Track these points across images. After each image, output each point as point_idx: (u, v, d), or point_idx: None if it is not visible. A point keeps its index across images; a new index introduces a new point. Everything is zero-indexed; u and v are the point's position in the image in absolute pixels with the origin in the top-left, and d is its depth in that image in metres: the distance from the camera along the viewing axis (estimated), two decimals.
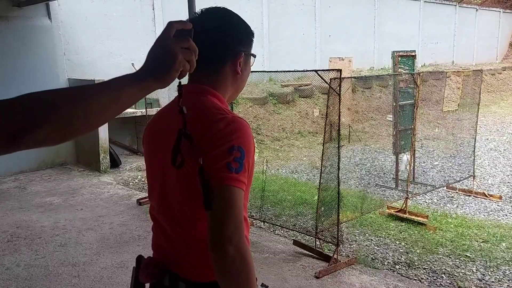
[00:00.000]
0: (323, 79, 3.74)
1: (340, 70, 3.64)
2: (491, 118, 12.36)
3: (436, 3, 17.03)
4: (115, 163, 7.20)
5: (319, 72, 3.78)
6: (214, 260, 1.05)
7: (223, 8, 1.37)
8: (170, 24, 0.93)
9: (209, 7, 1.33)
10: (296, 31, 12.13)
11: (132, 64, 7.99)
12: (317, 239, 3.92)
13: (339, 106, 3.67)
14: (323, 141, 3.88)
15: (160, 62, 0.89)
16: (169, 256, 1.28)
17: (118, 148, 7.92)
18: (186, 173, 1.13)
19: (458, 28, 18.04)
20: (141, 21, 8.48)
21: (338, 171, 3.76)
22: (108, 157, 6.99)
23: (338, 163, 3.75)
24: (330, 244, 3.91)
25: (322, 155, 3.86)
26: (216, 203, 1.05)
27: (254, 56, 1.41)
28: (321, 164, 3.87)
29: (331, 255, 3.71)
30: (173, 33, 0.91)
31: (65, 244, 4.19)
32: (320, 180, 3.90)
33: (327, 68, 9.75)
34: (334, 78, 3.71)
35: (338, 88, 3.66)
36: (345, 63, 9.48)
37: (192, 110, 1.10)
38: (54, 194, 5.81)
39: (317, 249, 3.89)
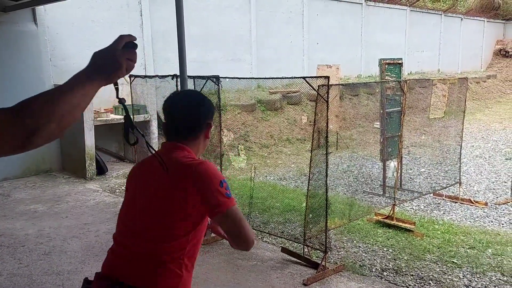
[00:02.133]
0: (312, 86, 3.76)
1: (328, 77, 3.66)
2: (476, 125, 12.54)
3: (422, 12, 17.30)
4: (101, 170, 7.11)
5: (307, 79, 3.79)
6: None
7: (197, 91, 1.88)
8: (121, 37, 1.17)
9: (188, 90, 1.85)
10: (284, 38, 12.20)
11: None
12: (305, 246, 3.90)
13: (327, 113, 3.68)
14: (311, 148, 3.89)
15: (108, 67, 1.12)
16: (129, 271, 1.57)
17: (105, 155, 7.84)
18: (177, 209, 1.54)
19: (443, 36, 18.33)
20: (128, 28, 8.44)
21: (326, 178, 3.77)
22: (94, 164, 6.91)
23: (326, 170, 3.76)
24: (318, 251, 3.91)
25: (310, 162, 3.86)
26: (231, 222, 1.50)
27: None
28: (309, 171, 3.87)
29: (319, 262, 3.70)
30: (122, 45, 1.15)
31: (49, 252, 4.11)
32: (308, 187, 3.90)
33: (315, 75, 9.83)
34: (322, 85, 3.73)
35: (326, 95, 3.67)
36: (333, 70, 9.54)
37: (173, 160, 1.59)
38: (39, 201, 5.71)
39: (305, 256, 3.88)
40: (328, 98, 3.65)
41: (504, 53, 21.51)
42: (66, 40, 7.45)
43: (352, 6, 14.25)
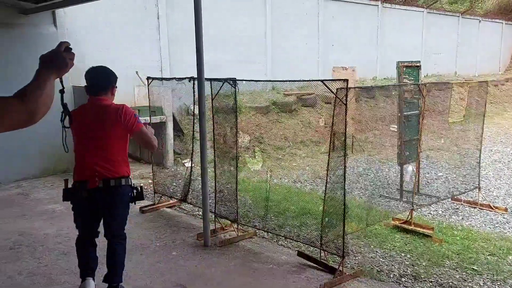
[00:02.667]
0: (330, 89, 3.73)
1: (346, 80, 3.63)
2: (495, 129, 12.34)
3: (439, 14, 17.09)
4: None
5: (325, 82, 3.76)
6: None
7: (106, 67, 3.20)
8: (61, 43, 1.62)
9: (101, 66, 3.19)
10: (299, 40, 12.17)
11: (136, 72, 8.01)
12: (321, 251, 3.87)
13: (346, 116, 3.65)
14: (329, 151, 3.86)
15: (59, 64, 1.57)
16: (100, 171, 3.07)
17: None
18: (116, 132, 3.04)
19: (461, 39, 18.08)
20: (145, 30, 8.52)
21: (344, 182, 3.73)
22: None
23: (344, 173, 3.72)
24: (335, 255, 3.87)
25: (328, 165, 3.83)
26: (143, 135, 3.10)
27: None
28: (326, 174, 3.84)
29: (336, 267, 3.66)
30: (63, 49, 1.60)
31: (68, 252, 4.15)
32: (325, 191, 3.87)
33: (331, 78, 9.77)
34: (341, 88, 3.70)
35: (344, 98, 3.64)
36: (349, 72, 9.48)
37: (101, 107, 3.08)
38: (57, 201, 5.78)
39: (322, 260, 3.85)
40: (346, 101, 3.62)
41: None
42: (84, 42, 7.54)
43: (368, 7, 14.16)
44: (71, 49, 1.64)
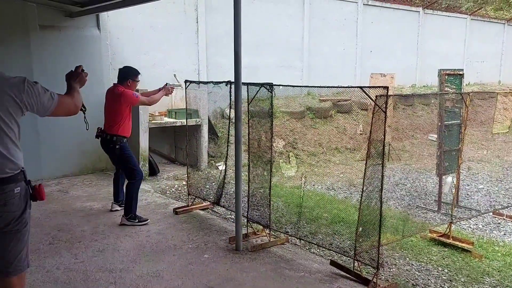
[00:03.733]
0: (369, 96, 3.65)
1: (386, 87, 3.54)
2: None
3: (484, 21, 16.51)
4: (153, 171, 7.31)
5: (365, 89, 3.69)
6: None
7: (129, 66, 5.13)
8: (77, 67, 2.72)
9: (124, 66, 5.18)
10: (336, 46, 12.04)
11: (174, 75, 8.15)
12: (355, 261, 3.79)
13: (385, 124, 3.57)
14: (366, 159, 3.78)
15: (80, 81, 2.70)
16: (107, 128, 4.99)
17: (157, 156, 8.05)
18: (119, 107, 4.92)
19: (506, 46, 17.38)
20: (184, 34, 8.66)
21: (381, 192, 3.64)
22: (147, 165, 7.12)
23: (382, 183, 3.63)
24: (368, 266, 3.78)
25: (365, 173, 3.75)
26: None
27: (137, 80, 5.11)
28: (363, 183, 3.76)
29: (370, 278, 3.57)
30: (80, 70, 2.70)
31: (103, 249, 4.26)
32: (360, 199, 3.79)
33: (368, 84, 9.61)
34: (381, 96, 3.61)
35: (384, 105, 3.56)
36: (387, 79, 9.29)
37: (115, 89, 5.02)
38: (95, 199, 5.95)
39: (355, 271, 3.76)
40: (386, 109, 3.53)
41: None
42: (125, 45, 7.75)
43: (409, 13, 13.85)
44: (84, 70, 2.68)
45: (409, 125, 11.93)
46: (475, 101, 12.05)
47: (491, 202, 6.58)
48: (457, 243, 4.63)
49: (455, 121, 5.81)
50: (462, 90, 6.01)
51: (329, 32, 11.79)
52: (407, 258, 4.38)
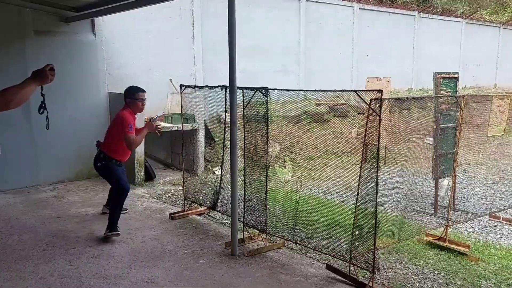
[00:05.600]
0: (363, 100, 3.65)
1: (381, 91, 3.54)
2: None
3: (479, 24, 16.59)
4: (149, 176, 7.29)
5: (359, 92, 3.69)
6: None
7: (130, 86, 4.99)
8: (47, 65, 2.51)
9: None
10: (333, 50, 12.08)
11: (170, 80, 8.15)
12: (351, 265, 3.77)
13: (379, 127, 3.56)
14: (361, 163, 3.77)
15: (41, 78, 2.47)
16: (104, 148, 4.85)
17: (153, 161, 8.03)
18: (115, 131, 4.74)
19: (501, 50, 17.48)
20: (180, 39, 8.66)
21: (376, 195, 3.63)
22: (143, 170, 7.09)
23: (376, 186, 3.62)
24: (365, 270, 3.76)
25: (360, 177, 3.74)
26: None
27: (136, 99, 4.84)
28: (358, 186, 3.75)
29: (366, 282, 3.56)
30: (48, 68, 2.50)
31: (98, 255, 4.23)
32: (356, 203, 3.78)
33: (364, 88, 9.62)
34: (375, 99, 3.61)
35: (378, 109, 3.56)
36: (383, 83, 9.31)
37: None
38: (90, 205, 5.92)
39: (351, 275, 3.74)
40: (380, 113, 3.53)
41: None
42: (121, 50, 7.74)
43: (404, 17, 13.92)
44: (54, 69, 2.54)
45: (406, 128, 11.95)
46: (471, 104, 12.10)
47: (487, 205, 6.58)
48: (453, 246, 4.62)
49: (450, 124, 5.82)
50: (457, 93, 6.02)
51: (325, 36, 11.82)
52: (404, 262, 4.36)
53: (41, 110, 2.81)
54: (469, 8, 17.79)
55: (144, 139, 7.01)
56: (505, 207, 6.09)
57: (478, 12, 17.28)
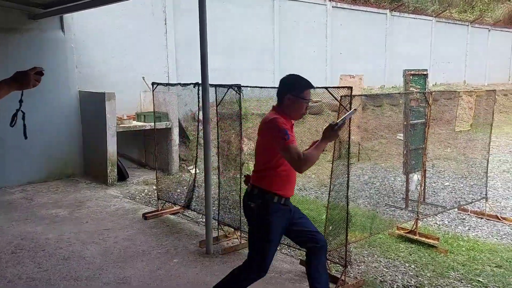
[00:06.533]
0: (334, 96, 3.69)
1: (351, 88, 3.59)
2: (504, 139, 12.19)
3: (448, 23, 17.01)
4: (122, 176, 7.18)
5: (329, 89, 3.73)
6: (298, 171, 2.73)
7: (292, 74, 2.97)
8: (34, 67, 2.14)
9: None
10: (307, 48, 12.17)
11: (143, 77, 8.04)
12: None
13: (350, 123, 3.61)
14: (332, 159, 3.82)
15: (22, 82, 2.10)
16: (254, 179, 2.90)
17: (126, 161, 7.92)
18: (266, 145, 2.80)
19: (470, 48, 17.97)
20: (153, 36, 8.56)
21: (347, 190, 3.68)
22: (115, 170, 6.99)
23: (348, 182, 3.68)
24: (337, 265, 3.81)
25: (331, 173, 3.79)
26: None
27: (303, 98, 2.83)
28: (330, 182, 3.79)
29: (339, 276, 3.61)
30: (34, 72, 2.12)
31: (68, 257, 4.14)
32: (328, 199, 3.82)
33: (338, 86, 9.73)
34: (345, 96, 3.66)
35: (348, 105, 3.60)
36: (356, 80, 9.44)
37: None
38: (60, 206, 5.79)
39: None
40: (351, 109, 3.58)
41: None
42: (92, 47, 7.60)
43: (376, 16, 14.14)
44: (42, 73, 2.16)
45: (378, 125, 12.16)
46: (441, 101, 12.41)
47: (456, 198, 6.76)
48: (423, 239, 4.74)
49: (419, 120, 5.94)
50: (426, 89, 6.16)
51: (299, 34, 11.90)
52: (376, 255, 4.44)
53: (13, 123, 2.32)
54: (439, 7, 18.25)
55: (116, 139, 6.94)
56: (473, 200, 6.27)
57: (447, 11, 17.72)
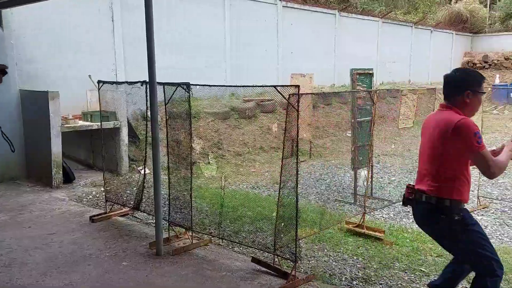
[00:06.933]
0: (282, 95, 3.74)
1: (298, 86, 3.65)
2: None
3: (394, 24, 17.69)
4: (68, 178, 6.91)
5: (278, 88, 3.77)
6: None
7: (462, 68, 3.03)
8: None
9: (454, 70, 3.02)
10: (259, 47, 12.24)
11: (89, 76, 7.77)
12: (275, 256, 3.86)
13: (298, 121, 3.68)
14: (282, 156, 3.87)
15: None
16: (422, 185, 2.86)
17: (73, 162, 7.62)
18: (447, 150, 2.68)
19: (414, 48, 18.78)
20: (100, 33, 8.29)
21: (297, 187, 3.75)
22: (61, 172, 6.71)
23: (297, 178, 3.74)
24: (288, 260, 3.87)
25: (281, 170, 3.84)
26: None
27: (482, 92, 2.81)
28: (280, 180, 3.84)
29: (289, 271, 3.66)
30: None
31: (9, 264, 3.94)
32: (278, 196, 3.87)
33: (288, 84, 9.87)
34: (293, 94, 3.72)
35: (296, 103, 3.66)
36: (306, 79, 9.62)
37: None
38: (1, 210, 5.49)
39: (275, 266, 3.83)
40: (298, 107, 3.64)
41: (472, 65, 22.18)
42: (33, 44, 7.24)
43: (326, 16, 14.46)
44: (6, 72, 2.27)
45: (329, 123, 12.45)
46: (388, 99, 12.89)
47: (402, 192, 7.02)
48: (370, 232, 4.90)
49: (366, 118, 6.15)
50: (372, 88, 6.38)
51: (251, 33, 11.95)
52: (326, 250, 4.55)
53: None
54: (385, 8, 18.94)
55: (61, 139, 6.66)
56: None
57: (393, 12, 18.43)
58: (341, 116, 12.47)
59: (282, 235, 3.91)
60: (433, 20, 21.13)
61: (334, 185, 7.53)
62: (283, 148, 3.82)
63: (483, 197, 6.50)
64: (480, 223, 5.60)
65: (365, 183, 6.03)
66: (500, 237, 5.16)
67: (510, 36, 22.08)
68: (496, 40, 22.50)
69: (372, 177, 6.75)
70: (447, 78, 2.87)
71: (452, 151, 2.67)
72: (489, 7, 25.14)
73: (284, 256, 3.83)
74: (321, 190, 7.22)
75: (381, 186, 7.44)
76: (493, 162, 2.61)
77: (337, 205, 6.41)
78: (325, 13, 14.42)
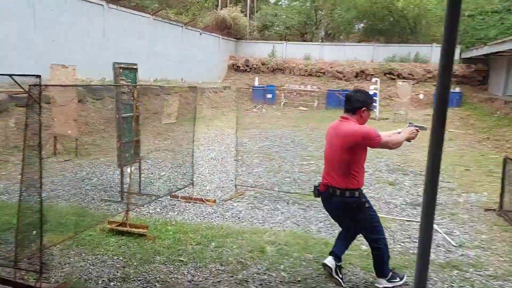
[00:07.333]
0: (20, 86, 3.29)
1: (39, 76, 3.27)
2: (214, 130, 13.84)
3: (165, 22, 18.08)
4: None
5: (15, 77, 3.29)
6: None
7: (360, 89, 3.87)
8: None
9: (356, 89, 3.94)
10: (10, 30, 10.66)
11: None
12: (16, 270, 3.38)
13: (40, 116, 3.29)
14: (23, 156, 3.40)
15: None
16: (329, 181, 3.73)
17: None
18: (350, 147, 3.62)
19: (186, 48, 19.65)
20: None
21: (41, 188, 3.36)
22: None
23: (40, 179, 3.35)
24: (33, 273, 3.44)
25: (22, 171, 3.38)
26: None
27: (371, 109, 3.80)
28: (21, 181, 3.38)
29: (33, 284, 3.26)
30: None
31: None
32: (19, 201, 3.40)
33: (50, 77, 8.90)
34: (35, 85, 3.31)
35: (38, 96, 3.27)
36: (69, 71, 8.86)
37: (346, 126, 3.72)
38: None
39: (17, 280, 3.36)
40: (40, 99, 3.26)
41: (236, 67, 24.68)
42: None
43: (92, 6, 13.66)
44: None
45: (100, 118, 11.85)
46: (157, 96, 13.07)
47: (170, 186, 7.23)
48: (133, 229, 4.83)
49: (131, 114, 6.04)
50: (136, 83, 6.30)
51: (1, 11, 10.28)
52: (83, 254, 4.25)
53: None
54: (158, 6, 19.18)
55: None
56: (183, 186, 6.83)
57: (164, 10, 18.82)
58: (113, 112, 12.02)
59: (26, 245, 3.45)
60: (202, 23, 22.55)
61: (101, 184, 7.16)
62: (23, 146, 3.37)
63: (239, 185, 7.24)
64: (236, 209, 6.26)
65: (129, 180, 5.92)
66: (250, 220, 5.82)
67: (265, 44, 25.50)
68: (256, 46, 25.64)
69: (140, 173, 6.71)
70: (349, 97, 3.76)
71: (359, 151, 3.61)
72: (249, 17, 28.43)
73: (26, 269, 3.39)
74: (86, 190, 6.77)
75: (150, 181, 7.46)
76: (390, 141, 3.74)
77: (102, 204, 6.10)
78: (93, 3, 13.61)
